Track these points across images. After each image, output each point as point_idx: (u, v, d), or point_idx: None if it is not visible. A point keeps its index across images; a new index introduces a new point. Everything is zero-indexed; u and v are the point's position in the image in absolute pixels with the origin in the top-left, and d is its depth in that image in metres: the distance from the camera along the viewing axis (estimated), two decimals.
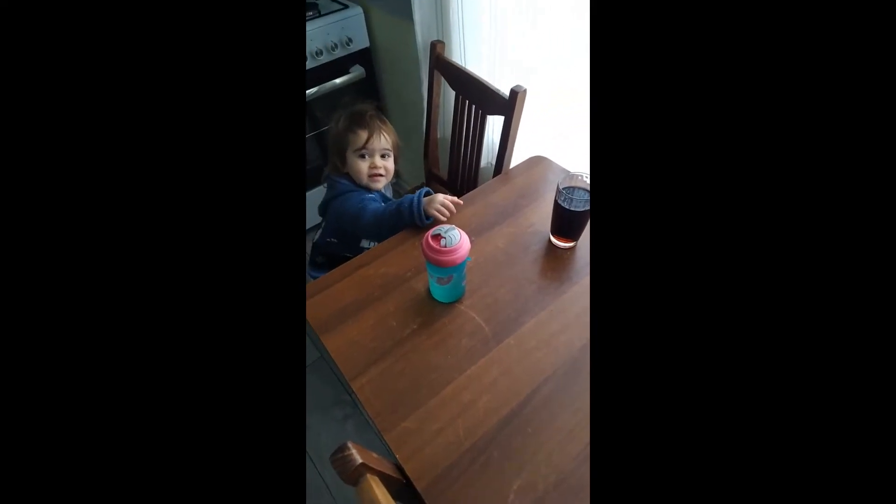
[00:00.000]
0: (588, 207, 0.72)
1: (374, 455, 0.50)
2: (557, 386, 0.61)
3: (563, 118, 1.01)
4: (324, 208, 0.98)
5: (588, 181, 0.73)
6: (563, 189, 0.72)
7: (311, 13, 1.33)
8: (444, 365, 0.64)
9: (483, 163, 1.11)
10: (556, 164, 0.94)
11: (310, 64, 1.32)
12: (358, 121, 0.91)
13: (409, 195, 0.83)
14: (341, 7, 1.36)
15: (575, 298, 0.71)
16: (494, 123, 1.04)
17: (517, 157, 0.99)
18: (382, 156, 0.93)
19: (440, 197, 0.81)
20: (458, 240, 0.62)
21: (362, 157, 0.91)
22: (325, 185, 0.97)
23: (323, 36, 1.32)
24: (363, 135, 0.90)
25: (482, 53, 1.01)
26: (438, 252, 0.62)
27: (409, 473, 0.53)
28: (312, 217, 1.60)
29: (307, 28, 1.28)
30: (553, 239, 0.79)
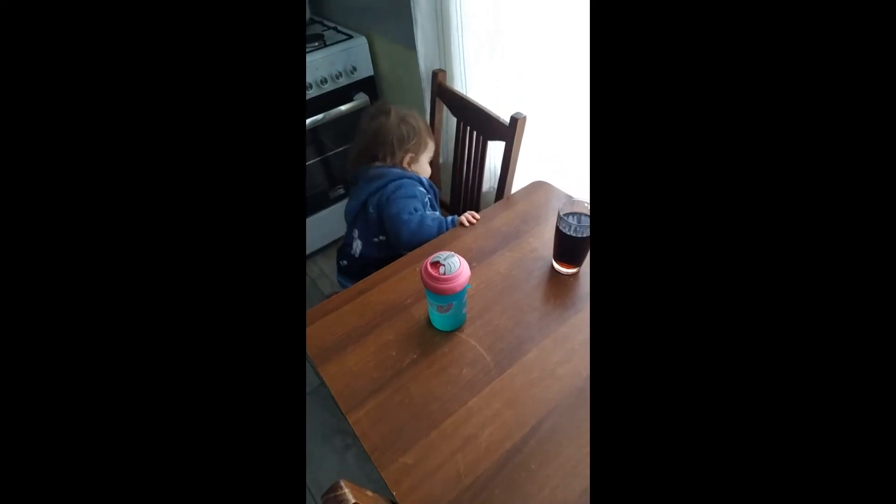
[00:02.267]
0: (589, 234, 0.72)
1: (370, 493, 0.48)
2: (562, 418, 0.59)
3: (564, 143, 1.02)
4: (359, 206, 0.97)
5: (589, 207, 0.72)
6: (565, 215, 0.71)
7: (316, 44, 1.36)
8: (445, 396, 0.62)
9: (485, 187, 1.11)
10: (558, 189, 0.94)
11: (315, 93, 1.35)
12: (431, 131, 1.02)
13: (443, 217, 0.93)
14: (346, 37, 1.40)
15: (579, 326, 0.69)
16: (495, 149, 1.04)
17: (520, 182, 0.99)
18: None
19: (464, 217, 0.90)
20: (457, 267, 0.61)
21: (431, 162, 1.03)
22: (357, 181, 0.98)
23: (328, 65, 1.35)
24: (433, 145, 1.02)
25: (483, 81, 1.02)
26: (437, 280, 0.61)
27: None
28: (321, 237, 1.61)
29: (313, 58, 1.31)
30: (555, 265, 0.77)
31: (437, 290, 0.61)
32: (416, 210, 0.92)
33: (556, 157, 1.05)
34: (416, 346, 0.68)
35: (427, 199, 0.98)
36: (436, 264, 0.62)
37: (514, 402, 0.61)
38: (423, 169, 1.01)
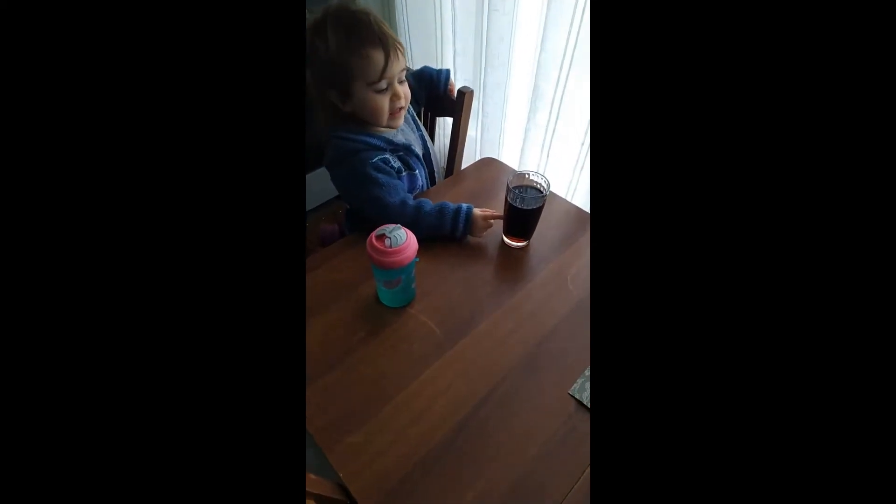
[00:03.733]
0: (539, 205, 0.72)
1: (311, 476, 0.46)
2: (513, 385, 0.59)
3: (516, 118, 1.02)
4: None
5: (537, 180, 0.73)
6: (514, 188, 0.71)
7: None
8: (395, 372, 0.60)
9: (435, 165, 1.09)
10: (508, 166, 0.94)
11: None
12: (366, 36, 0.63)
13: (451, 205, 0.73)
14: None
15: (528, 296, 0.70)
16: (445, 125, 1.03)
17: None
18: (400, 81, 0.70)
19: (480, 218, 0.73)
20: (403, 239, 0.60)
21: (382, 90, 0.68)
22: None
23: None
24: (379, 58, 0.64)
25: (440, 55, 1.01)
26: (383, 253, 0.59)
27: (354, 493, 0.49)
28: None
29: None
30: (505, 239, 0.77)
31: (383, 264, 0.59)
32: (389, 193, 0.72)
33: (507, 132, 1.05)
34: (364, 324, 0.66)
35: (391, 160, 0.74)
36: (381, 237, 0.60)
37: (466, 372, 0.60)
38: (369, 105, 0.69)
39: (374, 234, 0.60)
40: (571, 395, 0.58)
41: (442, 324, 0.66)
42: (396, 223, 0.69)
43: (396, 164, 0.79)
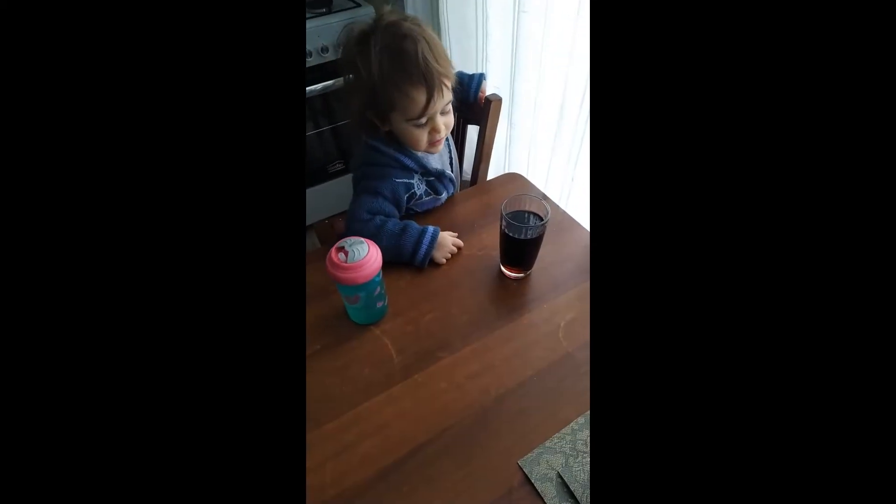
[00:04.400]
0: (536, 236, 0.63)
1: None
2: (454, 440, 0.51)
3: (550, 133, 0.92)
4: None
5: (535, 207, 0.63)
6: (507, 214, 0.62)
7: (323, 10, 1.31)
8: (337, 396, 0.56)
9: (466, 175, 1.03)
10: (533, 185, 0.85)
11: (317, 61, 1.30)
12: (411, 72, 0.59)
13: (417, 226, 0.68)
14: (354, 6, 1.34)
15: (508, 337, 0.61)
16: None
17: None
18: (443, 112, 0.66)
19: (449, 241, 0.68)
20: (363, 255, 0.55)
21: (420, 126, 0.65)
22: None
23: (332, 33, 1.29)
24: (420, 98, 0.60)
25: (472, 58, 0.93)
26: (338, 267, 0.54)
27: None
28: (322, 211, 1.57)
29: (316, 24, 1.26)
30: (502, 268, 0.69)
31: (339, 280, 0.55)
32: (371, 212, 0.69)
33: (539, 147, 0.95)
34: (324, 335, 0.62)
35: (415, 186, 0.72)
36: (341, 249, 0.55)
37: (408, 414, 0.54)
38: (406, 136, 0.67)
39: (336, 244, 0.56)
40: (520, 467, 0.49)
41: (404, 351, 0.60)
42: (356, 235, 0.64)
43: (421, 189, 0.74)
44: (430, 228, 0.68)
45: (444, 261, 0.70)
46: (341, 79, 1.34)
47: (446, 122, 0.67)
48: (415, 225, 0.69)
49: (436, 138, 0.67)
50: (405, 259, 0.68)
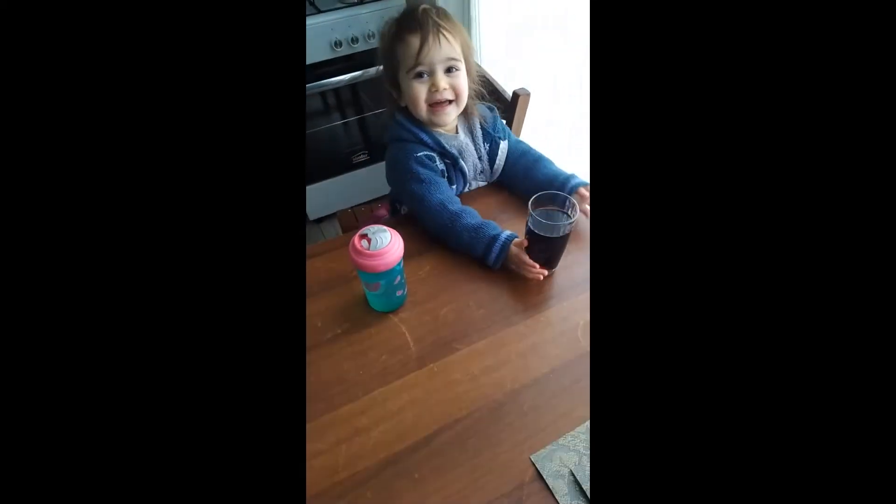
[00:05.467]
0: (563, 234, 0.62)
1: None
2: (466, 431, 0.52)
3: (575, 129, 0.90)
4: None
5: (565, 204, 0.63)
6: (535, 211, 0.62)
7: (353, 1, 1.32)
8: (353, 380, 0.57)
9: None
10: None
11: (346, 51, 1.31)
12: (409, 22, 0.64)
13: (494, 225, 0.66)
14: None
15: (525, 332, 0.61)
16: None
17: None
18: (448, 70, 0.66)
19: (524, 257, 0.64)
20: (385, 243, 0.55)
21: (419, 76, 0.65)
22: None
23: (361, 24, 1.30)
24: (414, 42, 0.63)
25: (497, 52, 0.93)
26: (361, 254, 0.55)
27: None
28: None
29: (344, 14, 1.27)
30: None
31: (361, 266, 0.56)
32: (429, 190, 0.69)
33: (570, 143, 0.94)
34: (343, 321, 0.63)
35: (437, 159, 0.71)
36: (364, 236, 0.56)
37: (422, 402, 0.54)
38: (408, 95, 0.68)
39: (359, 231, 0.57)
40: (532, 462, 0.49)
41: (421, 340, 0.61)
42: (431, 224, 0.68)
43: (441, 165, 0.74)
44: (503, 235, 0.65)
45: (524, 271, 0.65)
46: (369, 70, 1.36)
47: (452, 83, 0.67)
48: (491, 227, 0.66)
49: (436, 98, 0.67)
50: (476, 257, 0.67)
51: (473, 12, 0.89)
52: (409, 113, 0.72)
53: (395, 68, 0.67)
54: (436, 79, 0.66)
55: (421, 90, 0.67)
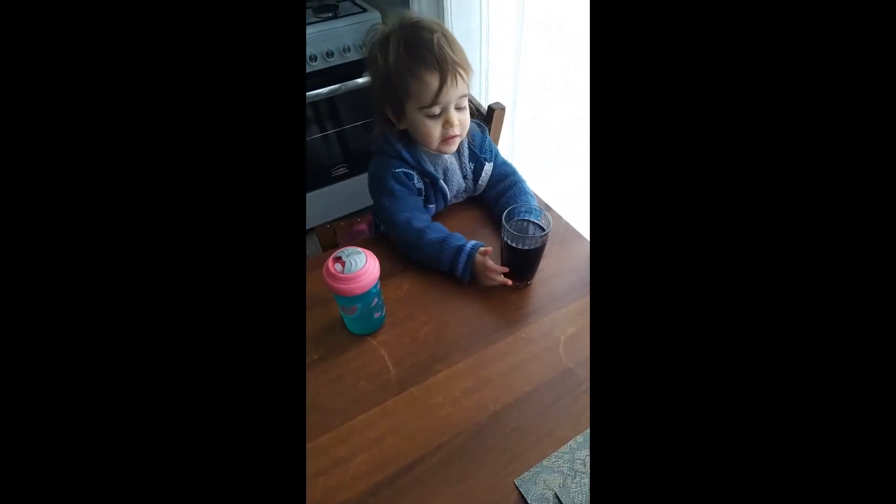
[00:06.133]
0: (537, 246, 0.61)
1: None
2: (450, 457, 0.50)
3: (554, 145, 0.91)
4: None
5: (538, 217, 0.62)
6: (508, 224, 0.61)
7: (328, 14, 1.31)
8: (331, 408, 0.55)
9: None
10: (536, 195, 0.83)
11: (322, 65, 1.30)
12: (424, 56, 0.60)
13: (459, 236, 0.66)
14: (360, 10, 1.34)
15: (506, 351, 0.60)
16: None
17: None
18: (459, 107, 0.65)
19: (489, 267, 0.64)
20: (360, 266, 0.54)
21: (433, 116, 0.64)
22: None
23: (336, 38, 1.29)
24: (433, 82, 0.60)
25: (475, 66, 0.93)
26: (335, 278, 0.53)
27: None
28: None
29: (320, 28, 1.26)
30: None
31: (335, 290, 0.54)
32: (399, 208, 0.69)
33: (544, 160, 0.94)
34: (320, 346, 0.61)
35: (415, 177, 0.70)
36: (338, 259, 0.54)
37: (402, 428, 0.53)
38: (418, 129, 0.66)
39: (333, 254, 0.55)
40: (516, 486, 0.48)
41: (400, 362, 0.59)
42: (399, 241, 0.68)
43: (419, 184, 0.73)
44: (468, 245, 0.65)
45: (490, 281, 0.65)
46: (347, 83, 1.35)
47: (461, 118, 0.66)
48: (456, 238, 0.66)
49: (449, 133, 0.66)
50: (445, 271, 0.67)
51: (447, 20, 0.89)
52: (402, 132, 0.71)
53: (402, 99, 0.64)
54: (449, 116, 0.65)
55: (435, 128, 0.65)
